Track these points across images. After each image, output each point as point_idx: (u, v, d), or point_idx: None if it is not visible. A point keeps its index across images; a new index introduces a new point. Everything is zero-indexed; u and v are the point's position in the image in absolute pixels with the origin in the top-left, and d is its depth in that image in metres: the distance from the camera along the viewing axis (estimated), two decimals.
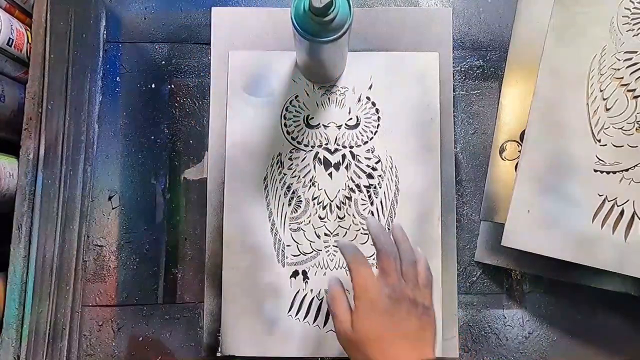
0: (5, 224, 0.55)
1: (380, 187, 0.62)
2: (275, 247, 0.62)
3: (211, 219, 0.62)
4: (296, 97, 0.63)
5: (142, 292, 0.63)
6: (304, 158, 0.62)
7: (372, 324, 0.48)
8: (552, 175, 0.55)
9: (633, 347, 0.61)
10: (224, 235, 0.61)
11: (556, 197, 0.54)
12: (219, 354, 0.60)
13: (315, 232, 0.61)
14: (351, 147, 0.62)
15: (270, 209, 0.62)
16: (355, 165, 0.62)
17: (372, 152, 0.62)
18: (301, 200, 0.62)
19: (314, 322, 0.61)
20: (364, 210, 0.62)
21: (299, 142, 0.63)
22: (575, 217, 0.53)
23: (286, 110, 0.63)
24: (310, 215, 0.61)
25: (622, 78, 0.54)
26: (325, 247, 0.61)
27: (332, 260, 0.61)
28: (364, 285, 0.49)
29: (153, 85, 0.66)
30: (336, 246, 0.61)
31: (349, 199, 0.61)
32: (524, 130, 0.56)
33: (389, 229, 0.61)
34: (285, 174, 0.62)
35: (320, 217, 0.62)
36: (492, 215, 0.61)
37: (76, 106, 0.62)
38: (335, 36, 0.49)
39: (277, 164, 0.62)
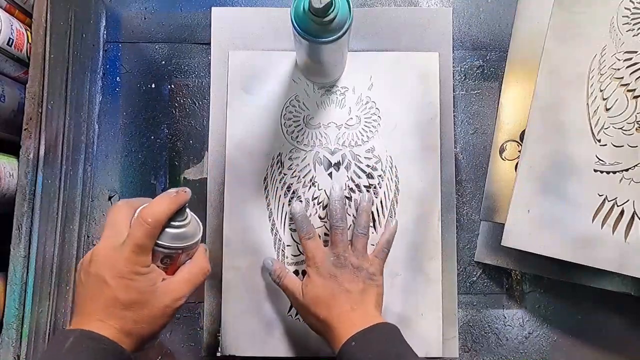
0: (5, 224, 0.55)
1: (380, 187, 0.62)
2: (275, 247, 0.62)
3: (211, 219, 0.62)
4: (296, 97, 0.63)
5: None
6: (304, 158, 0.62)
7: (318, 287, 0.55)
8: (552, 175, 0.55)
9: (633, 347, 0.61)
10: (224, 235, 0.61)
11: (556, 197, 0.54)
12: (219, 354, 0.60)
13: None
14: (351, 147, 0.62)
15: (270, 209, 0.62)
16: (355, 165, 0.62)
17: (372, 152, 0.62)
18: (301, 201, 0.62)
19: None
20: None
21: (299, 142, 0.63)
22: (575, 217, 0.53)
23: (286, 110, 0.63)
24: (310, 216, 0.61)
25: (622, 78, 0.54)
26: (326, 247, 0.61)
27: None
28: (312, 255, 0.57)
29: (153, 85, 0.66)
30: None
31: (349, 199, 0.61)
32: (524, 130, 0.56)
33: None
34: (285, 174, 0.62)
35: (320, 217, 0.62)
36: (492, 215, 0.61)
37: (76, 106, 0.62)
38: (335, 37, 0.49)
39: (277, 164, 0.62)
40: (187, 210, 0.46)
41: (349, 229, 0.59)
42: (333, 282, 0.55)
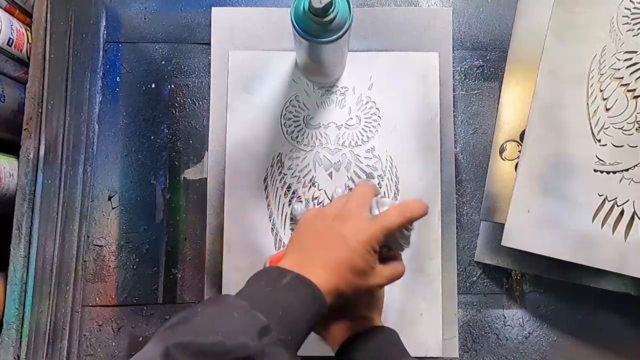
0: (5, 224, 0.55)
1: (380, 187, 0.62)
2: (275, 247, 0.62)
3: (211, 219, 0.62)
4: (296, 97, 0.63)
5: (142, 292, 0.63)
6: (304, 158, 0.62)
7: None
8: (552, 175, 0.55)
9: (633, 347, 0.61)
10: (224, 235, 0.61)
11: (556, 197, 0.54)
12: None
13: None
14: (351, 147, 0.62)
15: (271, 209, 0.62)
16: (355, 165, 0.62)
17: (372, 152, 0.62)
18: (301, 201, 0.62)
19: None
20: None
21: (299, 142, 0.63)
22: (575, 217, 0.53)
23: (286, 110, 0.63)
24: None
25: (622, 78, 0.54)
26: None
27: None
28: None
29: (153, 85, 0.66)
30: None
31: None
32: (524, 130, 0.56)
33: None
34: (285, 174, 0.62)
35: None
36: (492, 215, 0.61)
37: (76, 106, 0.62)
38: (335, 36, 0.49)
39: (277, 164, 0.62)
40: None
41: None
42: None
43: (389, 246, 0.49)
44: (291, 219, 0.61)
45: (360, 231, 0.46)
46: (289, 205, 0.62)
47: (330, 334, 0.53)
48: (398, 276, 0.50)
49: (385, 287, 0.58)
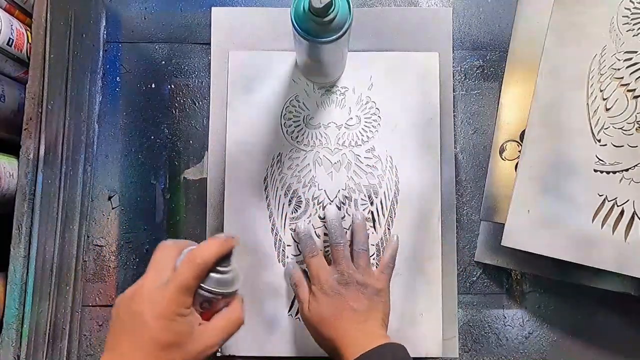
0: (5, 224, 0.55)
1: (380, 187, 0.62)
2: (275, 247, 0.62)
3: (211, 219, 0.62)
4: (296, 97, 0.63)
5: None
6: (304, 158, 0.62)
7: (323, 305, 0.54)
8: (552, 175, 0.55)
9: (633, 347, 0.61)
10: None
11: (556, 197, 0.54)
12: (219, 354, 0.60)
13: (315, 232, 0.61)
14: (351, 147, 0.62)
15: (271, 209, 0.62)
16: (355, 165, 0.62)
17: (372, 152, 0.62)
18: (301, 200, 0.62)
19: None
20: (363, 210, 0.62)
21: (299, 142, 0.63)
22: (575, 217, 0.53)
23: (286, 110, 0.63)
24: (310, 215, 0.61)
25: (622, 78, 0.54)
26: (325, 247, 0.61)
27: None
28: (316, 274, 0.56)
29: (153, 85, 0.66)
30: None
31: (349, 199, 0.61)
32: (524, 130, 0.56)
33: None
34: (285, 174, 0.62)
35: (320, 217, 0.62)
36: (492, 215, 0.61)
37: (76, 106, 0.62)
38: (335, 36, 0.49)
39: (277, 164, 0.62)
40: (232, 257, 0.45)
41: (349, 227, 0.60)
42: (338, 300, 0.54)
43: (209, 300, 0.43)
44: (292, 218, 0.62)
45: (154, 304, 0.41)
46: (289, 205, 0.62)
47: (337, 354, 0.52)
48: (235, 325, 0.44)
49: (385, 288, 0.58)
